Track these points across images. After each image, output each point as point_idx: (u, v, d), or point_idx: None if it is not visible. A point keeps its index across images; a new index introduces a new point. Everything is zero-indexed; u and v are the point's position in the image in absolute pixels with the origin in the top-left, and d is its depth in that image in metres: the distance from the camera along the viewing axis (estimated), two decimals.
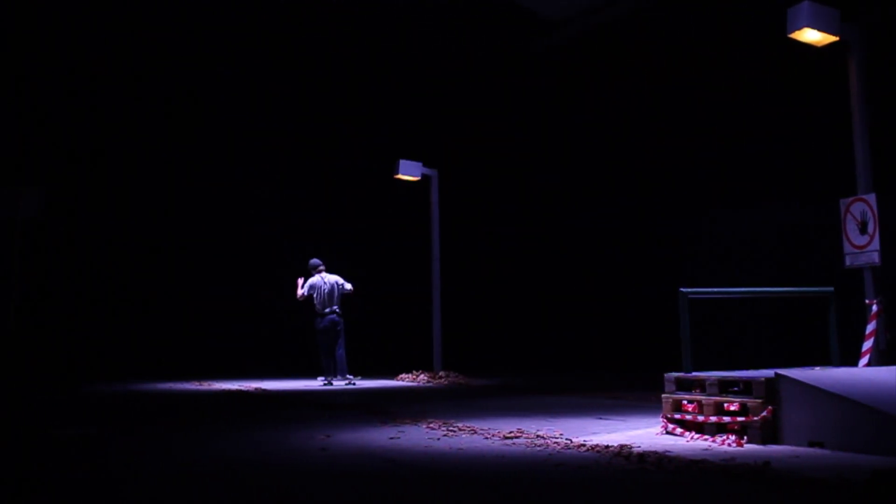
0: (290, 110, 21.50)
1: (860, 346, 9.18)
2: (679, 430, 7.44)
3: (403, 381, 16.50)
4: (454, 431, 7.96)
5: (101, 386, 15.17)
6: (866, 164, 9.70)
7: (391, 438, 7.56)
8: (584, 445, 6.84)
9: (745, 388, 7.12)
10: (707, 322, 14.72)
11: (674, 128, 18.21)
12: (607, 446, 6.70)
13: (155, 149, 20.47)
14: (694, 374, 7.68)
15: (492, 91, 21.66)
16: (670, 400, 7.67)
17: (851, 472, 5.38)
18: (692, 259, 17.57)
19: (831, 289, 8.93)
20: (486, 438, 7.48)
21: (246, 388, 14.50)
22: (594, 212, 20.51)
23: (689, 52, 17.36)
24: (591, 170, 20.61)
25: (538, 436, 7.47)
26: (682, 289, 7.94)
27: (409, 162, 17.31)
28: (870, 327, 9.24)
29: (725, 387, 7.30)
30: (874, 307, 9.33)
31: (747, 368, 8.20)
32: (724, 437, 6.96)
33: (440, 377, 16.31)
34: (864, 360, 9.04)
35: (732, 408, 7.10)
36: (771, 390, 6.92)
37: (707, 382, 7.40)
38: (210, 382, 15.96)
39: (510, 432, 7.72)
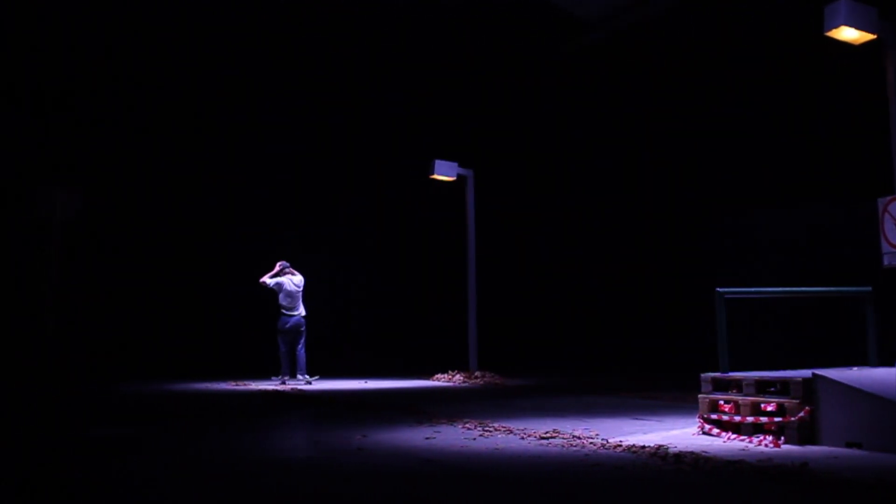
0: (328, 112, 21.56)
1: None
2: (716, 431, 7.42)
3: (439, 381, 16.53)
4: (490, 431, 7.98)
5: (137, 386, 15.29)
6: None
7: (427, 438, 7.59)
8: (620, 446, 6.84)
9: (783, 388, 7.10)
10: (743, 322, 14.66)
11: (709, 127, 18.13)
12: (643, 447, 6.69)
13: (195, 151, 20.59)
14: (731, 374, 7.66)
15: (527, 91, 21.65)
16: (707, 400, 7.66)
17: (889, 473, 5.36)
18: (728, 258, 17.48)
19: (869, 288, 8.86)
20: (522, 439, 7.49)
21: (282, 389, 14.58)
22: (630, 211, 20.46)
23: (723, 50, 17.28)
24: (626, 169, 20.56)
25: (574, 436, 7.48)
26: (718, 289, 7.92)
27: (444, 162, 17.33)
28: None
29: (762, 387, 7.27)
30: None
31: (784, 369, 8.16)
32: (761, 438, 6.94)
33: (476, 377, 16.32)
34: None
35: (769, 408, 7.07)
36: (808, 391, 6.89)
37: (744, 383, 7.38)
38: (246, 382, 16.06)
39: (546, 432, 7.73)
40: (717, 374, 7.71)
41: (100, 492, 5.40)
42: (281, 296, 16.11)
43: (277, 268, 16.29)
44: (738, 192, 17.58)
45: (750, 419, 7.16)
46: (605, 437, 7.37)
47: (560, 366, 19.75)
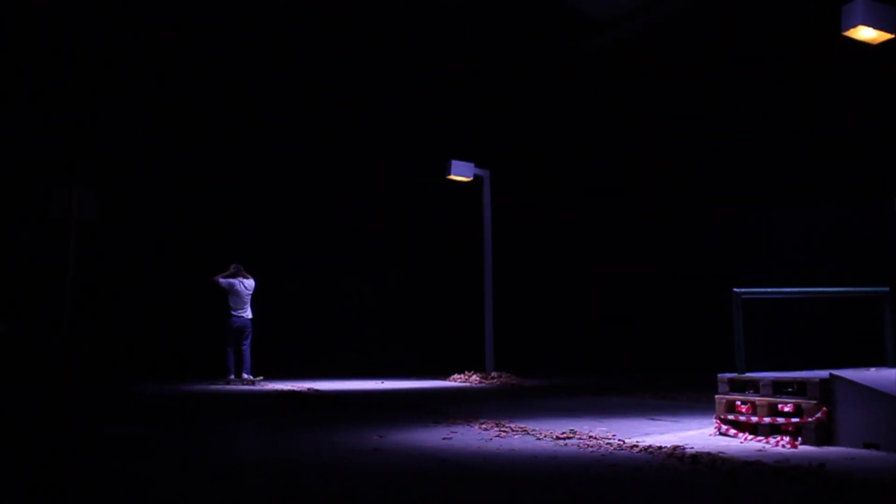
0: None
1: None
2: (732, 431, 7.40)
3: (456, 381, 16.54)
4: (506, 432, 7.98)
5: (153, 386, 15.35)
6: None
7: (444, 439, 7.60)
8: (636, 446, 6.84)
9: (800, 389, 7.07)
10: (761, 322, 14.62)
11: (726, 127, 18.08)
12: (660, 447, 6.69)
13: (214, 151, 20.64)
14: (748, 374, 7.64)
15: (543, 91, 21.63)
16: (724, 401, 7.64)
17: None
18: (745, 259, 17.43)
19: (887, 289, 8.81)
20: (539, 439, 7.49)
21: (298, 389, 14.61)
22: (646, 211, 20.42)
23: (741, 50, 17.23)
24: (642, 170, 20.53)
25: (590, 436, 7.48)
26: (735, 289, 7.89)
27: (460, 162, 17.35)
28: None
29: (779, 388, 7.25)
30: None
31: (801, 369, 8.14)
32: (778, 439, 6.92)
33: (492, 377, 16.32)
34: None
35: (787, 409, 7.05)
36: (826, 391, 6.87)
37: (761, 383, 7.36)
38: (262, 383, 16.10)
39: (562, 433, 7.73)
40: (734, 375, 7.69)
41: (115, 492, 5.42)
42: (230, 296, 16.46)
43: (232, 269, 16.58)
44: (760, 193, 17.54)
45: (767, 420, 7.14)
46: (622, 438, 7.36)
47: (576, 366, 19.75)
